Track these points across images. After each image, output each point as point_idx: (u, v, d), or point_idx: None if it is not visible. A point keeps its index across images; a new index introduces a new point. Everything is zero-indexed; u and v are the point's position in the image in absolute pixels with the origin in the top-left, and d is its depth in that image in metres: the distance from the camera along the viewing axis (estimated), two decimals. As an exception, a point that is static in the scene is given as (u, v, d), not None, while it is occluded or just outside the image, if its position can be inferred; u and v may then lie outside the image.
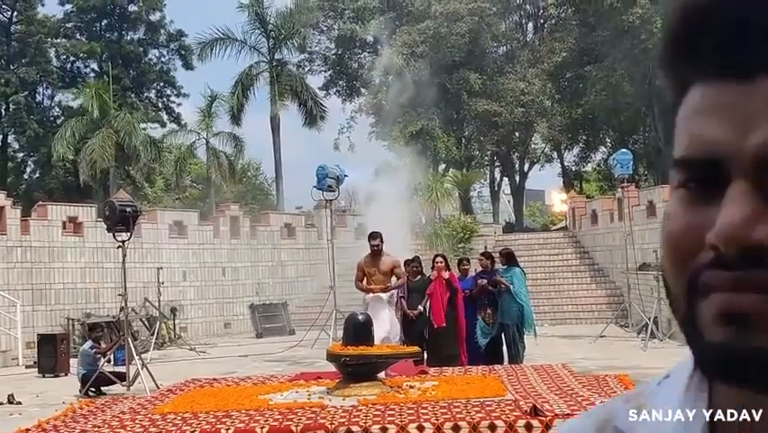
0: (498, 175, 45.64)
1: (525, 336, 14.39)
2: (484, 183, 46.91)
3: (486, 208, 49.43)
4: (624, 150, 22.35)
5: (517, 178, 43.29)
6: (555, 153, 44.37)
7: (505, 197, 51.21)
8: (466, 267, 14.64)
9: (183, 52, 44.84)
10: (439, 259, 13.87)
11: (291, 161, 74.76)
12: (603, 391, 10.22)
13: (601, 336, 18.83)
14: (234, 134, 37.24)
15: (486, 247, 25.76)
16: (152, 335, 19.60)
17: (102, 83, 36.10)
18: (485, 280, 13.86)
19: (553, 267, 27.01)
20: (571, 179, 44.87)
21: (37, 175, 43.49)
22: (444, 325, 13.37)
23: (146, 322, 21.28)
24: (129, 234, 12.90)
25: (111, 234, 13.01)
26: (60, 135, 33.12)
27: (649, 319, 17.66)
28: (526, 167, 43.85)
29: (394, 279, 12.74)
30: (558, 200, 51.88)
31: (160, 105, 45.97)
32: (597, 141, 41.17)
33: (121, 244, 12.79)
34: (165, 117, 45.75)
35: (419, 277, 13.81)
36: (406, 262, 13.93)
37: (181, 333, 21.91)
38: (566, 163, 44.47)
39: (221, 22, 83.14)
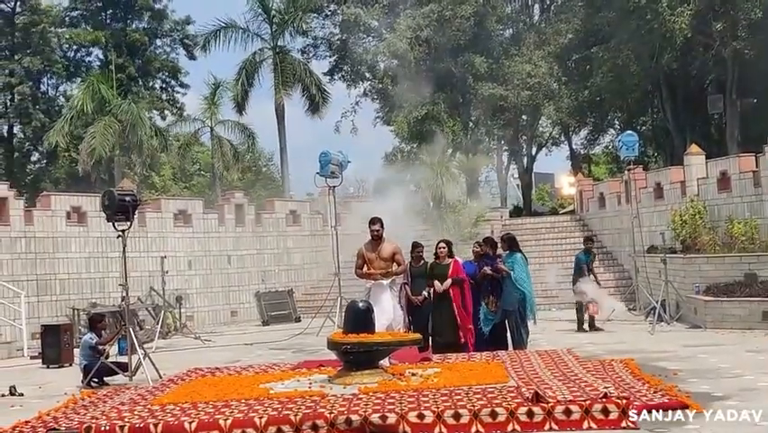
0: (505, 159, 45.37)
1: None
2: (492, 167, 46.65)
3: (494, 193, 49.18)
4: (629, 131, 22.05)
5: (525, 161, 43.02)
6: (563, 136, 44.06)
7: (513, 181, 50.96)
8: (476, 250, 14.38)
9: (186, 41, 44.62)
10: (442, 245, 13.71)
11: (301, 148, 74.95)
12: (608, 377, 10.10)
13: (609, 320, 18.67)
14: (241, 123, 37.12)
15: (492, 232, 25.67)
16: (157, 324, 19.55)
17: (103, 73, 35.95)
18: (488, 268, 13.70)
19: (561, 251, 26.78)
20: (579, 162, 44.58)
21: (43, 165, 43.53)
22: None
23: (151, 311, 21.23)
24: (129, 223, 12.80)
25: (111, 223, 12.91)
26: (58, 127, 32.98)
27: (657, 303, 17.49)
28: (534, 150, 43.55)
29: (395, 265, 12.52)
30: (567, 183, 51.62)
31: (164, 96, 45.82)
32: (605, 123, 40.75)
33: (120, 233, 12.70)
34: (168, 108, 45.68)
35: (422, 262, 13.67)
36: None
37: (187, 322, 21.85)
38: (574, 146, 44.18)
39: (222, 10, 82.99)
